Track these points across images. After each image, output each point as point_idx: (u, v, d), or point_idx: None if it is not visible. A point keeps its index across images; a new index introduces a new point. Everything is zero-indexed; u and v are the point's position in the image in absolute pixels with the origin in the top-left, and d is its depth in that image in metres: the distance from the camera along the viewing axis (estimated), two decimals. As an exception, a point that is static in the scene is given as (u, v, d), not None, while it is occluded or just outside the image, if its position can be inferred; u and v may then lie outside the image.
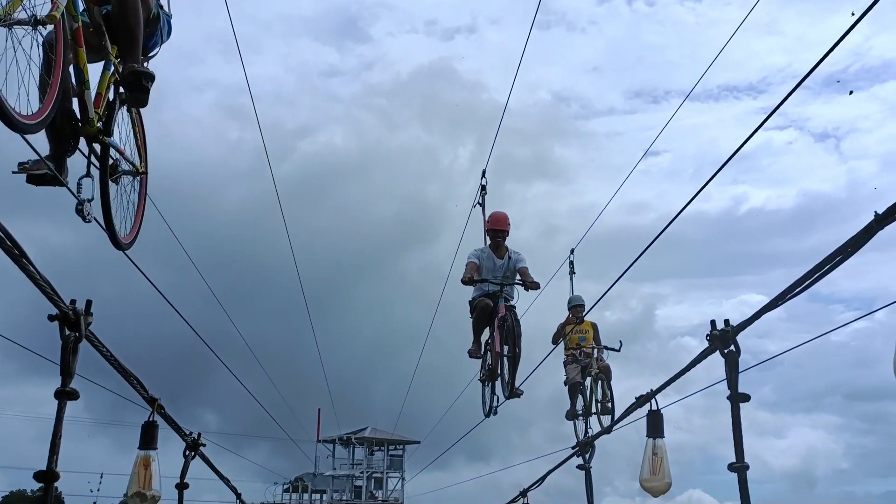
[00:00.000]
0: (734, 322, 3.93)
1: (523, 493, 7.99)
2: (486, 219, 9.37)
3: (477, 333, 9.23)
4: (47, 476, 3.20)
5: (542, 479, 7.50)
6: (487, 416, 9.53)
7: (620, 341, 13.28)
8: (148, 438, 4.51)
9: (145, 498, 4.48)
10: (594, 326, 13.27)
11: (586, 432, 11.75)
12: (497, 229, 9.16)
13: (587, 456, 6.19)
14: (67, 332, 3.35)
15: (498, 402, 9.27)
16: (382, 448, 56.87)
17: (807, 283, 3.21)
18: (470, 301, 9.27)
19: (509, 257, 9.08)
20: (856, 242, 2.90)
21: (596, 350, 12.90)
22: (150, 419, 4.54)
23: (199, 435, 5.70)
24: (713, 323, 3.96)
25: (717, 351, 3.93)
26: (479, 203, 9.74)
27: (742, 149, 5.00)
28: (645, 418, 5.03)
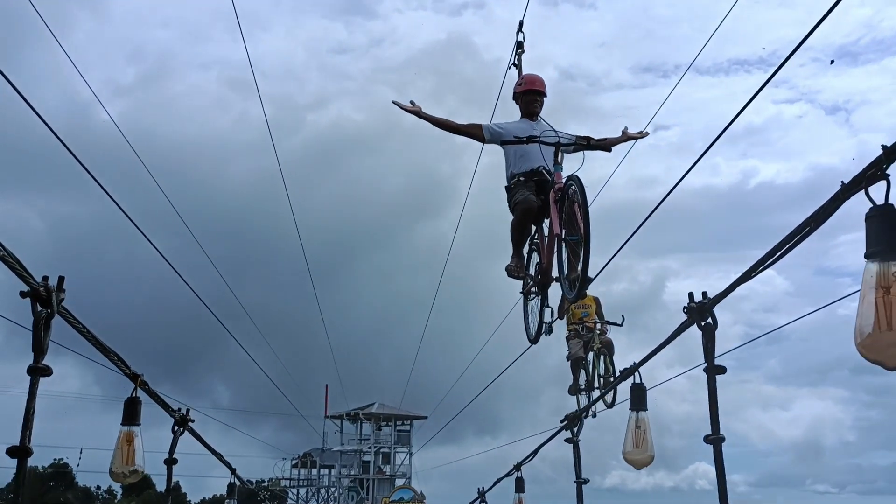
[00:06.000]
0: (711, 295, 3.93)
1: (517, 467, 8.03)
2: (518, 82, 7.14)
3: (518, 242, 6.89)
4: (20, 451, 3.22)
5: (535, 452, 7.54)
6: (535, 340, 7.17)
7: (623, 316, 13.27)
8: (131, 414, 4.54)
9: (129, 473, 4.52)
10: (596, 301, 13.24)
11: (588, 407, 11.75)
12: (533, 90, 6.93)
13: (576, 429, 6.22)
14: (39, 308, 3.35)
15: (552, 316, 7.03)
16: (390, 423, 57.30)
17: (778, 254, 3.20)
18: (507, 186, 6.86)
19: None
20: (823, 212, 2.88)
21: (598, 325, 12.89)
22: (133, 395, 4.57)
23: (188, 411, 5.73)
24: (691, 295, 3.94)
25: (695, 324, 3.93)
26: (514, 64, 7.72)
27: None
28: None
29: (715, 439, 3.74)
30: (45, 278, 3.43)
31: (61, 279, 3.49)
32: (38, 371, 3.32)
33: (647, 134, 7.35)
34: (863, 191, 2.62)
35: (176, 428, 5.59)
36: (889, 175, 2.57)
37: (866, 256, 2.54)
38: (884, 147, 2.55)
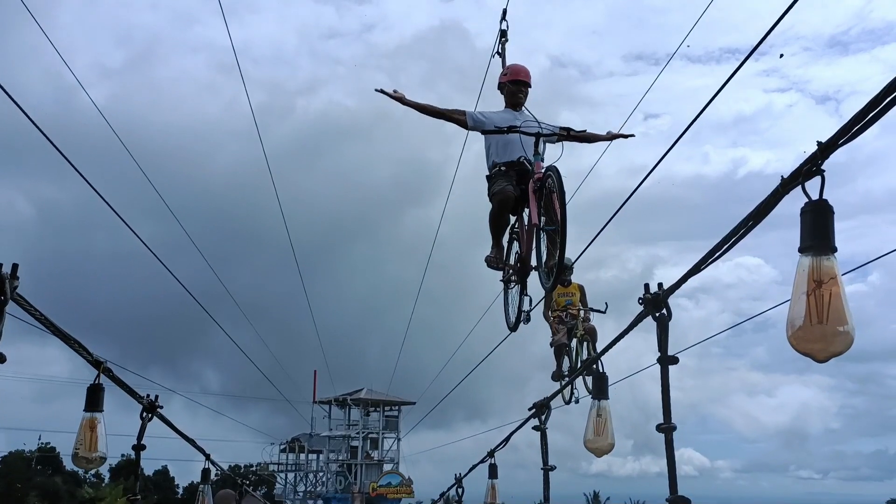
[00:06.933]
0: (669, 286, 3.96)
1: (490, 454, 8.08)
2: (503, 72, 7.09)
3: (497, 233, 6.94)
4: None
5: (507, 440, 7.58)
6: (515, 327, 7.26)
7: (606, 303, 13.32)
8: (93, 401, 4.55)
9: (92, 459, 4.54)
10: (581, 288, 13.29)
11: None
12: (518, 80, 6.88)
13: (543, 417, 6.27)
14: (-8, 295, 3.36)
15: (531, 304, 7.04)
16: (378, 409, 57.48)
17: (724, 248, 3.24)
18: (488, 175, 6.82)
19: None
20: (764, 208, 2.92)
21: (582, 312, 12.95)
22: (96, 382, 4.58)
23: (157, 397, 5.76)
24: (647, 286, 3.97)
25: (650, 315, 3.97)
26: (497, 53, 7.68)
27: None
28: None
29: (666, 428, 3.79)
30: (-1, 265, 3.44)
31: (15, 266, 3.49)
32: (-9, 358, 3.33)
33: (632, 135, 7.34)
34: (800, 186, 2.66)
35: (144, 414, 5.61)
36: (824, 171, 2.61)
37: (800, 250, 2.58)
38: (819, 143, 2.59)
